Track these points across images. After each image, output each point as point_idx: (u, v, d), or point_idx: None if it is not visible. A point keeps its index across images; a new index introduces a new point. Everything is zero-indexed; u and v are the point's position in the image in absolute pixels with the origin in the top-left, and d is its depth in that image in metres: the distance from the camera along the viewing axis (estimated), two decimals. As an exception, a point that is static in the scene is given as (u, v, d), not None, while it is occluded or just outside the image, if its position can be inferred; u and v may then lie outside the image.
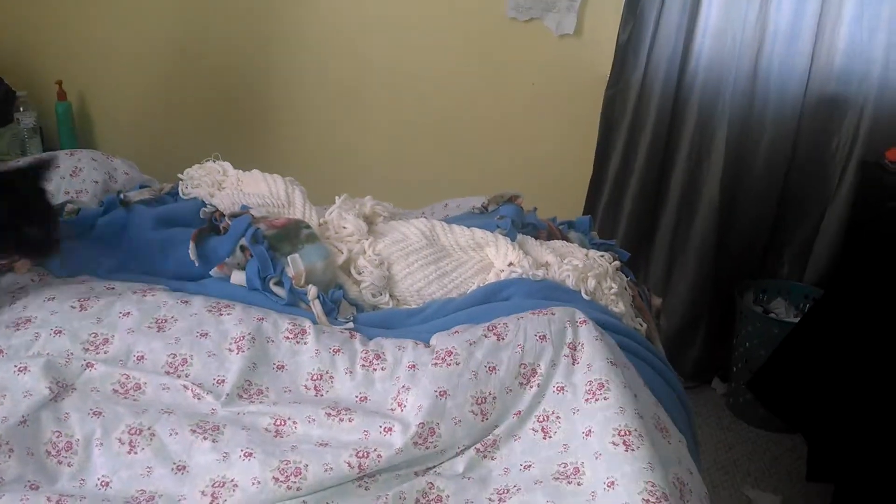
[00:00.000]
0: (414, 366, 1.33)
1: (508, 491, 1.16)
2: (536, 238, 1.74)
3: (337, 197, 1.69)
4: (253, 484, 1.12)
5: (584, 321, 1.36)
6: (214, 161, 1.80)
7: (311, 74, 3.05)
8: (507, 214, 1.75)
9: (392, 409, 1.28)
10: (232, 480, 1.13)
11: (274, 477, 1.14)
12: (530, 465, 1.21)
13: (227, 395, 1.27)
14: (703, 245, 2.83)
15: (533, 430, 1.26)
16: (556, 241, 1.76)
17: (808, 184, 2.77)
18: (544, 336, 1.34)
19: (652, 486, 1.09)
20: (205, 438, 1.18)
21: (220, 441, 1.18)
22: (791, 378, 2.41)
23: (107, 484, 1.13)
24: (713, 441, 2.67)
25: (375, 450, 1.18)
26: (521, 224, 1.78)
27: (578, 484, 1.16)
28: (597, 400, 1.24)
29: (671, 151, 2.80)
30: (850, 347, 2.23)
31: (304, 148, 3.14)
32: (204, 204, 1.68)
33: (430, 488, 1.17)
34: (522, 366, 1.31)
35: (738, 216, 2.82)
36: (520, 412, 1.27)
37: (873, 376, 2.14)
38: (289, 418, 1.24)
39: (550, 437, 1.25)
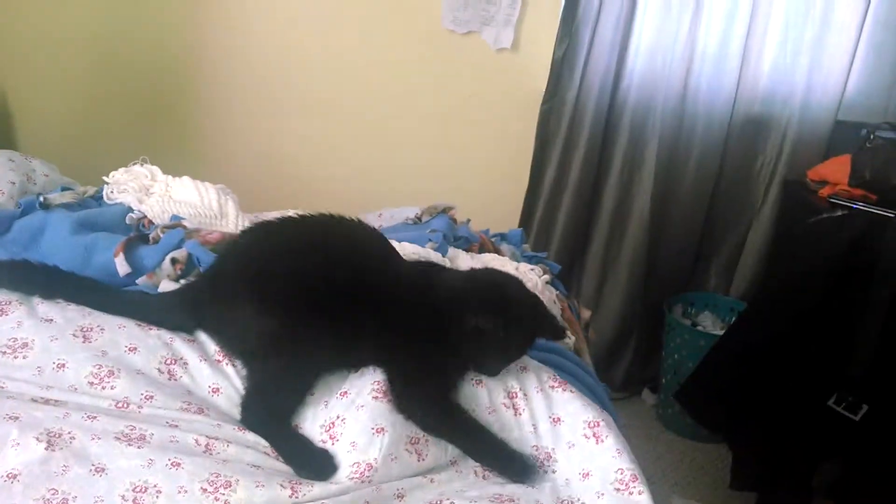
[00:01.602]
0: (346, 393, 1.32)
1: None
2: (468, 251, 1.77)
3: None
4: (179, 492, 1.10)
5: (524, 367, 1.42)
6: (142, 165, 1.78)
7: (242, 76, 3.01)
8: (438, 227, 1.78)
9: (323, 441, 1.27)
10: (155, 486, 1.10)
11: (202, 488, 1.12)
12: None
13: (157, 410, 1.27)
14: (633, 259, 2.91)
15: (475, 472, 1.28)
16: (487, 253, 1.80)
17: (734, 201, 2.90)
18: (480, 381, 1.37)
19: (621, 472, 1.24)
20: (129, 444, 1.15)
21: (145, 448, 1.15)
22: (715, 389, 2.50)
23: (14, 477, 1.07)
24: (641, 451, 2.70)
25: (307, 480, 1.19)
26: (454, 237, 1.82)
27: (553, 472, 1.27)
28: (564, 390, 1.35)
29: (604, 167, 2.88)
30: (771, 359, 2.32)
31: (234, 151, 3.09)
32: (130, 210, 1.66)
33: None
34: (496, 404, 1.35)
35: (668, 230, 2.91)
36: (454, 460, 1.30)
37: (793, 387, 2.25)
38: (220, 438, 1.23)
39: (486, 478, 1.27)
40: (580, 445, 1.30)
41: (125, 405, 1.25)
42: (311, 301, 1.30)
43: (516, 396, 1.36)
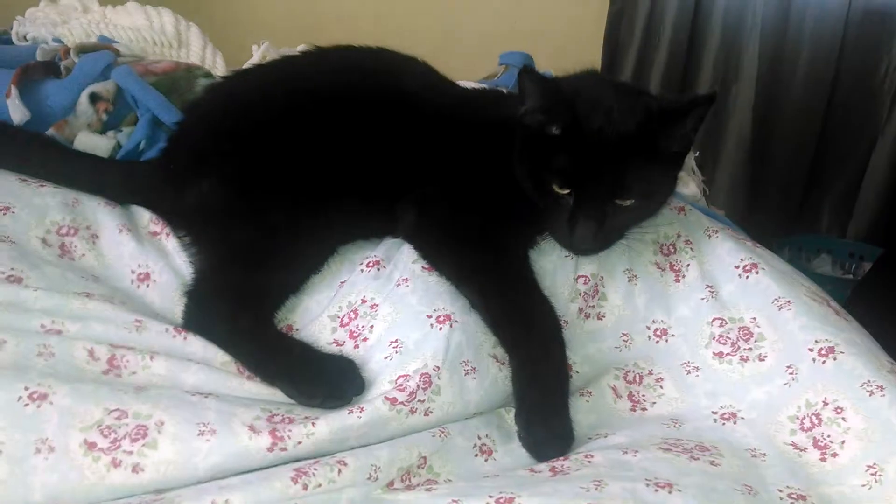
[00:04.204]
0: (377, 263, 0.74)
1: None
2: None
3: (255, 46, 1.09)
4: (38, 451, 0.55)
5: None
6: (76, -1, 1.17)
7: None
8: (512, 63, 1.17)
9: (337, 343, 0.71)
10: None
11: (86, 440, 0.55)
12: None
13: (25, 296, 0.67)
14: (731, 191, 2.31)
15: (614, 391, 0.73)
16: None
17: (852, 116, 2.28)
18: None
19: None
20: None
21: None
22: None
23: None
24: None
25: (305, 413, 0.62)
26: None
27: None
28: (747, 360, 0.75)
29: (691, 79, 2.28)
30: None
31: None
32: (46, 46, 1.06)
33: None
34: (581, 279, 0.77)
35: (772, 155, 2.30)
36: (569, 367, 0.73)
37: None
38: (137, 349, 0.66)
39: (644, 409, 0.73)
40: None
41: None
42: (317, 133, 0.79)
43: (673, 251, 0.78)
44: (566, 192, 0.72)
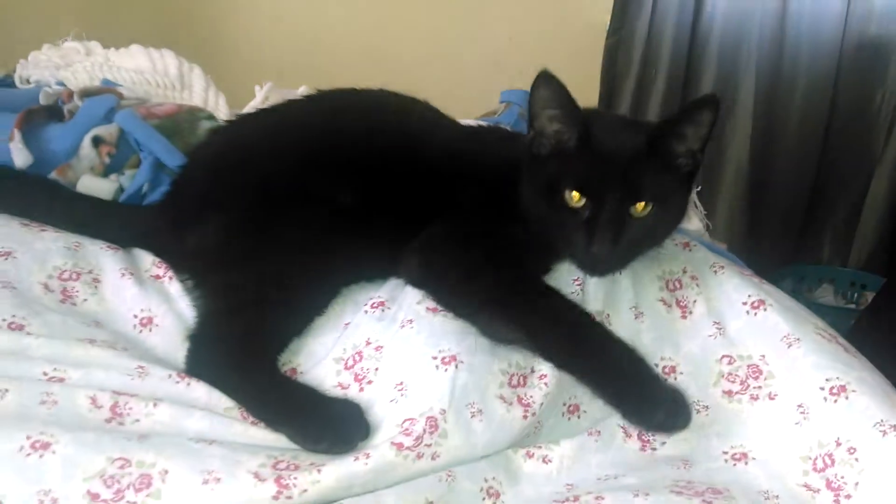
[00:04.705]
0: (382, 304, 0.73)
1: None
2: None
3: (258, 87, 1.10)
4: (42, 502, 0.55)
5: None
6: (79, 41, 1.17)
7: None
8: (513, 100, 1.17)
9: (342, 387, 0.70)
10: None
11: (91, 492, 0.54)
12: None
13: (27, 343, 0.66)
14: (730, 223, 2.30)
15: (624, 431, 0.74)
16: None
17: (849, 145, 2.28)
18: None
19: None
20: None
21: None
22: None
23: None
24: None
25: (310, 460, 0.60)
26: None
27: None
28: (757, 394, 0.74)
29: (688, 109, 2.27)
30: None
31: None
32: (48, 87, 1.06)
33: None
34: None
35: (771, 187, 2.30)
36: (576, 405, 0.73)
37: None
38: (142, 395, 0.65)
39: (654, 448, 0.73)
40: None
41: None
42: (320, 173, 0.80)
43: (679, 286, 0.76)
44: (581, 203, 0.72)
